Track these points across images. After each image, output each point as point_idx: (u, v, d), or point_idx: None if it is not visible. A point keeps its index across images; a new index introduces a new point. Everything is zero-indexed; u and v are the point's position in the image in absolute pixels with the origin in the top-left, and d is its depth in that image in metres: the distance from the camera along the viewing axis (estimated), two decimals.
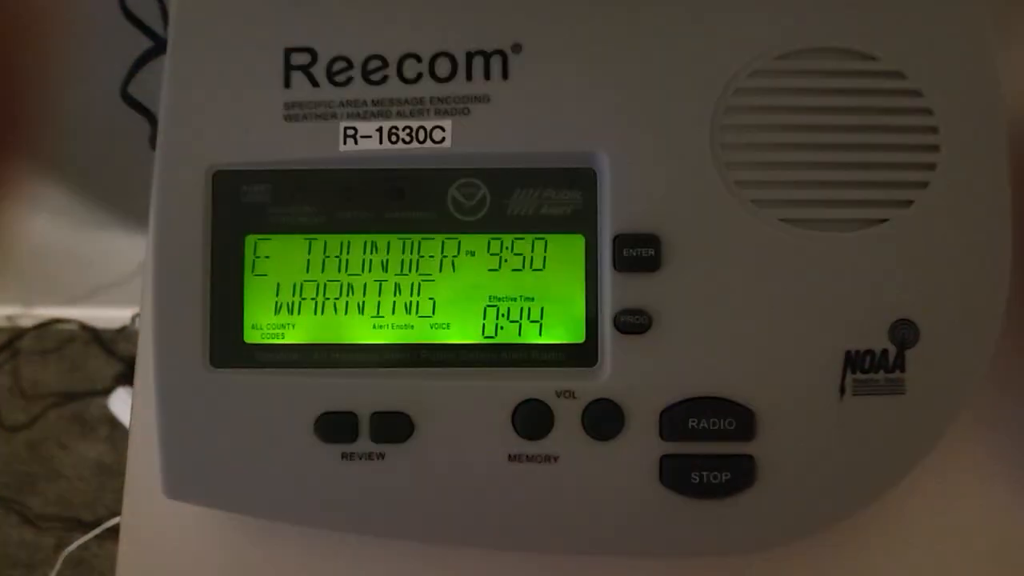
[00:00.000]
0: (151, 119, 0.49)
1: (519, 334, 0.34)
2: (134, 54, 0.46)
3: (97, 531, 1.20)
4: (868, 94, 0.33)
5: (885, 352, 0.33)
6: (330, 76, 0.34)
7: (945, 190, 0.33)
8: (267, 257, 0.34)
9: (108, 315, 1.25)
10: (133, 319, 1.20)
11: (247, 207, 0.34)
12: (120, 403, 1.24)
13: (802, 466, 0.33)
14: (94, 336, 1.29)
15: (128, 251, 1.08)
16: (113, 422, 1.26)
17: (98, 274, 1.17)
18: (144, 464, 0.38)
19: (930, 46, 0.34)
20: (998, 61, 0.34)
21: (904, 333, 0.33)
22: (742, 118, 0.34)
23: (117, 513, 1.20)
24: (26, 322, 1.27)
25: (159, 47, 0.43)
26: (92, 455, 1.27)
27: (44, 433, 1.28)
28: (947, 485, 0.37)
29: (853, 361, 0.33)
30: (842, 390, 0.33)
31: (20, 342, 1.28)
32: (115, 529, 1.17)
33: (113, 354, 1.29)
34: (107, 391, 1.26)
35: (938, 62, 0.34)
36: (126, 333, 1.27)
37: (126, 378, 1.27)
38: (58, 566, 1.19)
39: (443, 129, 0.34)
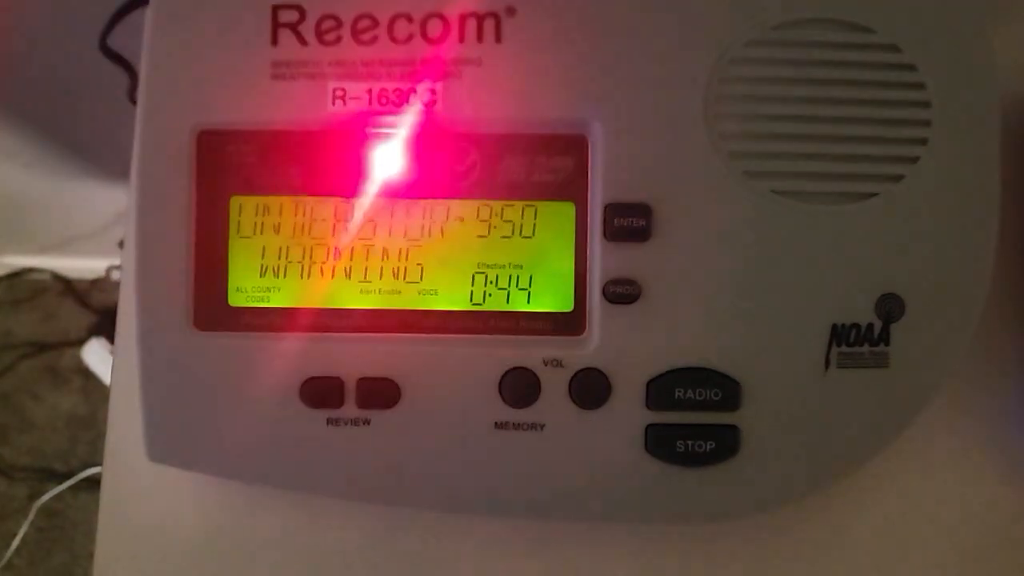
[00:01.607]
0: (130, 71, 0.48)
1: (507, 302, 0.34)
2: (111, 2, 0.45)
3: (71, 482, 1.20)
4: (863, 67, 0.33)
5: (871, 326, 0.33)
6: (319, 35, 0.33)
7: (935, 166, 0.33)
8: (252, 219, 0.34)
9: (82, 265, 1.23)
10: (108, 271, 1.19)
11: (233, 168, 0.34)
12: (94, 354, 1.24)
13: (785, 437, 0.33)
14: (67, 286, 1.27)
15: (103, 201, 1.07)
16: (87, 373, 1.25)
17: (72, 224, 1.15)
18: (125, 422, 0.38)
19: (926, 21, 0.33)
20: (992, 37, 0.34)
21: (890, 307, 0.33)
22: (736, 88, 0.33)
23: (90, 464, 1.20)
24: None
25: None
26: (65, 406, 1.26)
27: (16, 384, 1.27)
28: (928, 456, 0.38)
29: (839, 334, 0.33)
30: (827, 363, 0.33)
31: None
32: (89, 480, 1.18)
33: (87, 305, 1.28)
34: (80, 342, 1.25)
35: (933, 37, 0.33)
36: (100, 284, 1.26)
37: (100, 329, 1.26)
38: (31, 516, 1.19)
39: (434, 92, 0.33)
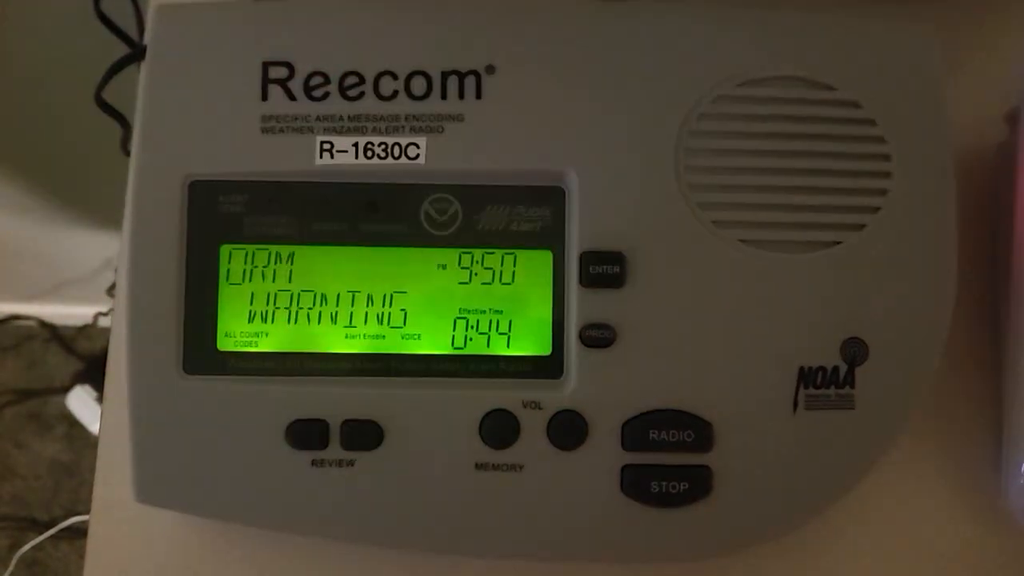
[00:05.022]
0: (124, 123, 0.50)
1: (488, 345, 0.35)
2: (103, 56, 0.46)
3: (52, 531, 1.19)
4: (825, 122, 0.35)
5: (836, 369, 0.34)
6: (307, 90, 0.35)
7: (895, 215, 0.35)
8: (242, 267, 0.35)
9: (69, 312, 1.24)
10: (96, 317, 1.19)
11: (223, 217, 0.35)
12: (78, 401, 1.23)
13: (756, 477, 0.34)
14: (53, 333, 1.28)
15: (91, 249, 1.08)
16: (71, 420, 1.25)
17: (59, 271, 1.16)
18: (113, 468, 0.39)
19: (883, 78, 0.35)
20: (945, 91, 0.36)
21: (854, 351, 0.34)
22: (705, 142, 0.35)
23: (73, 513, 1.20)
24: None
25: (135, 54, 0.43)
26: (48, 454, 1.26)
27: (0, 431, 1.26)
28: (894, 494, 0.39)
29: (806, 377, 0.34)
30: (795, 404, 0.34)
31: None
32: (71, 529, 1.17)
33: (72, 352, 1.28)
34: (65, 389, 1.25)
35: (891, 93, 0.35)
36: (86, 331, 1.26)
37: (85, 376, 1.26)
38: (12, 567, 1.17)
39: (417, 146, 0.35)
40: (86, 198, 0.99)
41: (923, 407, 0.35)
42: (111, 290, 0.99)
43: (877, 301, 0.35)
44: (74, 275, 1.16)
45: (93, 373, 1.27)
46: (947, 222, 0.35)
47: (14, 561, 1.17)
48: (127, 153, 0.50)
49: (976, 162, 0.40)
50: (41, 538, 1.19)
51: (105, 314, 1.16)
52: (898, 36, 0.36)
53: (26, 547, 1.18)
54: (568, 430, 0.34)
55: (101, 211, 1.01)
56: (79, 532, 1.20)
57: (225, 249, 0.35)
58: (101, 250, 1.08)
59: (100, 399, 1.22)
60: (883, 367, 0.34)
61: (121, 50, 0.44)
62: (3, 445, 1.26)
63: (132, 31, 0.50)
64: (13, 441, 1.26)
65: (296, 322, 0.35)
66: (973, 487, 0.39)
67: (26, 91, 0.84)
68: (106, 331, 1.25)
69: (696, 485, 0.34)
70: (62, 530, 1.19)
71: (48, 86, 0.82)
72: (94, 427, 1.23)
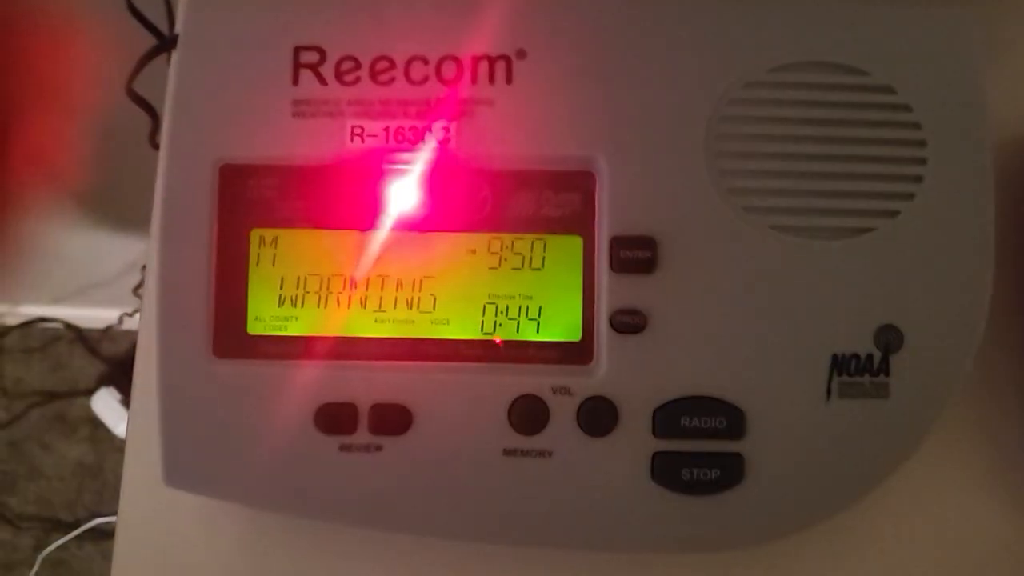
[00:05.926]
0: (153, 115, 0.50)
1: (517, 331, 0.35)
2: (132, 51, 0.47)
3: (77, 532, 1.20)
4: (858, 107, 0.35)
5: (870, 356, 0.34)
6: (338, 75, 0.35)
7: (931, 201, 0.34)
8: (272, 251, 0.35)
9: (93, 315, 1.25)
10: (120, 320, 1.20)
11: (253, 201, 0.35)
12: (103, 403, 1.24)
13: (789, 465, 0.34)
14: (78, 336, 1.29)
15: (115, 252, 1.08)
16: (95, 422, 1.26)
17: (85, 274, 1.17)
18: (142, 459, 0.39)
19: (919, 62, 0.35)
20: (984, 77, 0.35)
21: (889, 338, 0.34)
22: (736, 127, 0.35)
23: (97, 514, 1.20)
24: (10, 320, 1.27)
25: (165, 44, 0.43)
26: (73, 455, 1.26)
27: (25, 432, 1.27)
28: (929, 486, 0.39)
29: (839, 364, 0.34)
30: (828, 392, 0.34)
31: (4, 340, 1.28)
32: (95, 531, 1.17)
33: (97, 354, 1.29)
34: (90, 391, 1.26)
35: (927, 78, 0.35)
36: (111, 333, 1.27)
37: (110, 378, 1.27)
38: (36, 567, 1.18)
39: (448, 131, 0.35)
40: (111, 201, 1.00)
41: (958, 395, 0.34)
42: (137, 290, 1.00)
43: (912, 288, 0.34)
44: (99, 278, 1.17)
45: (118, 375, 1.28)
46: (984, 209, 0.35)
47: (39, 561, 1.18)
48: (155, 146, 0.51)
49: (1013, 150, 0.40)
50: (65, 539, 1.19)
51: (131, 315, 1.17)
52: (935, 20, 0.35)
53: (50, 547, 1.19)
54: (598, 416, 0.34)
55: (126, 214, 1.01)
56: (103, 533, 1.21)
57: (256, 233, 0.35)
58: (126, 253, 1.09)
59: (124, 401, 1.23)
60: (918, 355, 0.34)
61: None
62: (28, 446, 1.27)
63: (163, 27, 0.50)
64: (38, 442, 1.27)
65: (326, 306, 0.35)
66: (1009, 476, 0.39)
67: (53, 94, 0.84)
68: (131, 334, 1.26)
69: (728, 473, 0.34)
70: (86, 531, 1.20)
71: (77, 87, 0.83)
72: (118, 429, 1.23)
